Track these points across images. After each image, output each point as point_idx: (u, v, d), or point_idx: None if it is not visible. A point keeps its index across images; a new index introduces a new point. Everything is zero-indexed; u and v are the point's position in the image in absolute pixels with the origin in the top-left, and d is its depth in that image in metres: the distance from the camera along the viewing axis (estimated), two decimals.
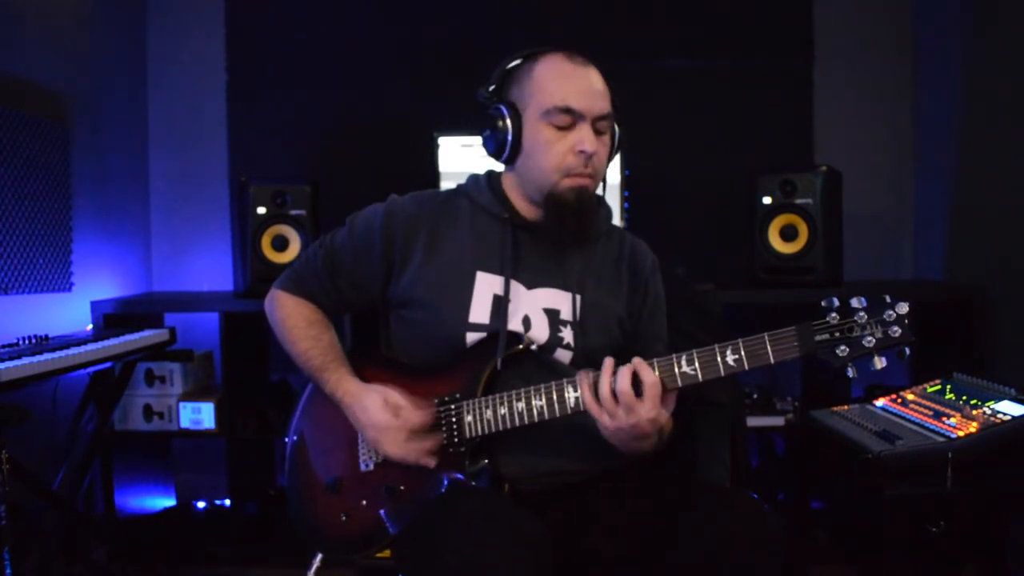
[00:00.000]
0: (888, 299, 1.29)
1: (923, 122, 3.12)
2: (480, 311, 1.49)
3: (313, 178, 2.72)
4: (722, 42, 3.17)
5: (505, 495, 1.44)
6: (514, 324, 1.49)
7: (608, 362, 1.35)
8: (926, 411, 1.89)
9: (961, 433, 1.72)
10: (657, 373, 1.33)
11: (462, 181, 1.63)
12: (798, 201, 2.61)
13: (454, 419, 1.45)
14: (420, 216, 1.54)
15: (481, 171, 1.62)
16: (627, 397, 1.31)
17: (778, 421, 2.69)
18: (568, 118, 1.44)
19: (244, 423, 2.80)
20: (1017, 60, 2.52)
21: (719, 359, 1.31)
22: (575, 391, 1.38)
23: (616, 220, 2.63)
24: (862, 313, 1.28)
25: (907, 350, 1.28)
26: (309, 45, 3.22)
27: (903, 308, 1.27)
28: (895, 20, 3.16)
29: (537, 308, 1.51)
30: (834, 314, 1.29)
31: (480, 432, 1.43)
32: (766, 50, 3.17)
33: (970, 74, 2.81)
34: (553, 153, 1.45)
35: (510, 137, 1.47)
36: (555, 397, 1.39)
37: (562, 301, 1.52)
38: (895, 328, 1.27)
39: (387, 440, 1.43)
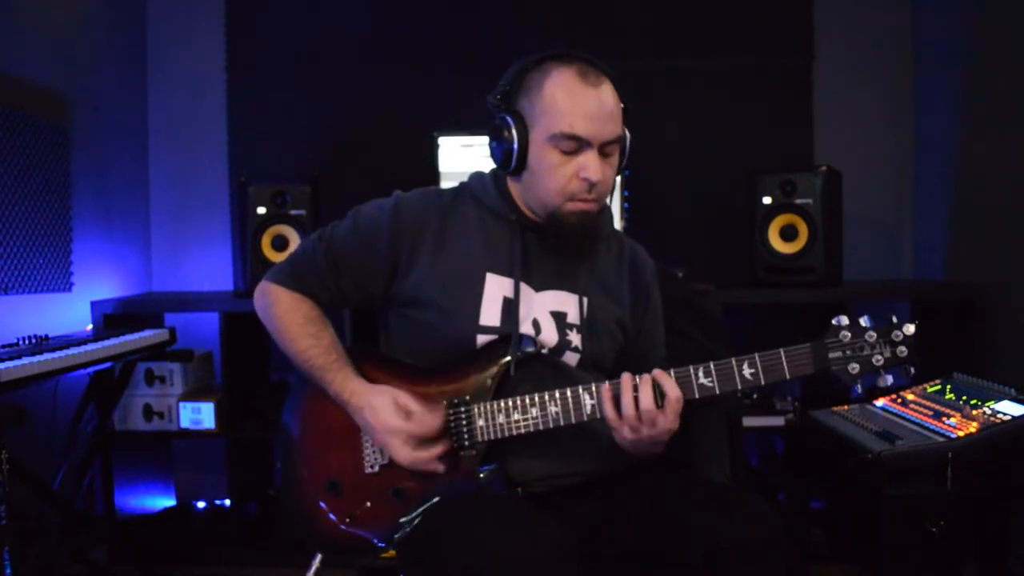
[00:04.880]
0: (895, 319, 1.35)
1: (923, 122, 3.12)
2: (491, 314, 1.47)
3: (313, 178, 2.72)
4: (722, 42, 3.17)
5: (518, 496, 1.43)
6: (524, 327, 1.48)
7: (626, 378, 1.37)
8: (926, 411, 1.89)
9: (961, 433, 1.72)
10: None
11: (463, 180, 1.60)
12: (798, 201, 2.62)
13: (464, 422, 1.43)
14: (428, 214, 1.52)
15: (482, 170, 1.60)
16: (650, 414, 1.35)
17: (778, 421, 2.69)
18: (574, 144, 1.41)
19: (244, 423, 2.80)
20: (1017, 60, 2.52)
21: (736, 372, 1.35)
22: (591, 398, 1.39)
23: (616, 220, 2.64)
24: (872, 332, 1.34)
25: (912, 369, 1.35)
26: (309, 45, 3.22)
27: (910, 329, 1.35)
28: (895, 20, 3.15)
29: (545, 311, 1.50)
30: (845, 332, 1.35)
31: (492, 436, 1.42)
32: (766, 50, 3.17)
33: (970, 74, 2.81)
34: (558, 177, 1.43)
35: (516, 150, 1.44)
36: (571, 404, 1.39)
37: (569, 304, 1.52)
38: (902, 348, 1.34)
39: (398, 444, 1.40)
